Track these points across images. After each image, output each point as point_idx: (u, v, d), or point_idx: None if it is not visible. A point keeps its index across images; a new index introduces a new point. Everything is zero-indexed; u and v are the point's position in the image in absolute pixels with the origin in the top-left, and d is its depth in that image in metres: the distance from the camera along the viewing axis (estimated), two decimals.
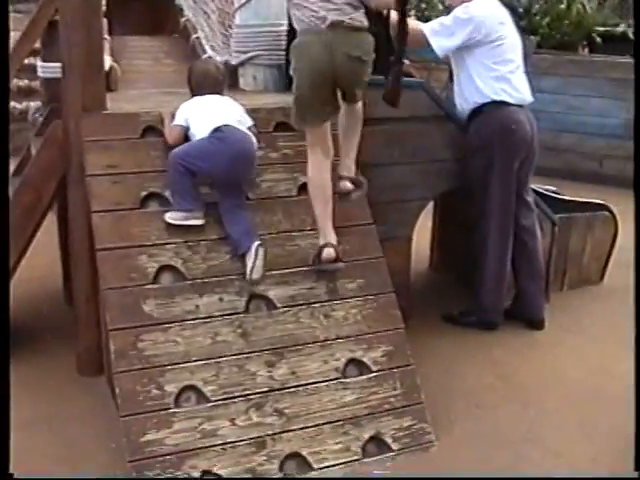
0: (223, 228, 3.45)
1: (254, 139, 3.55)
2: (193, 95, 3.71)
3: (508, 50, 4.38)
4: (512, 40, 4.41)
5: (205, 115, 3.53)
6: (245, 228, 3.40)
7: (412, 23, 4.28)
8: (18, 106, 8.22)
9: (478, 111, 4.39)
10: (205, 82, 3.71)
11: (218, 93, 3.70)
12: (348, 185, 3.66)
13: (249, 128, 3.59)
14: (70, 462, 3.21)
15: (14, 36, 5.08)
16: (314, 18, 3.35)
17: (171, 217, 3.36)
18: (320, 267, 3.49)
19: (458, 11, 4.32)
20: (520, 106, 4.41)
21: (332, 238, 3.49)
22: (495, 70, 4.32)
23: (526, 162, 4.45)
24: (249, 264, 3.32)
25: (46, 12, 3.78)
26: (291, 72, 3.49)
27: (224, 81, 3.82)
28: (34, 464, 3.19)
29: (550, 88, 7.91)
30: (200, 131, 3.49)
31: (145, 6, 6.56)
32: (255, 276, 3.31)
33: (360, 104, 3.62)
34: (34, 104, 7.86)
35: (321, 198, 3.49)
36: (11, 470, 3.00)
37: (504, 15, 4.42)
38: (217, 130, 3.45)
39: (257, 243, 3.35)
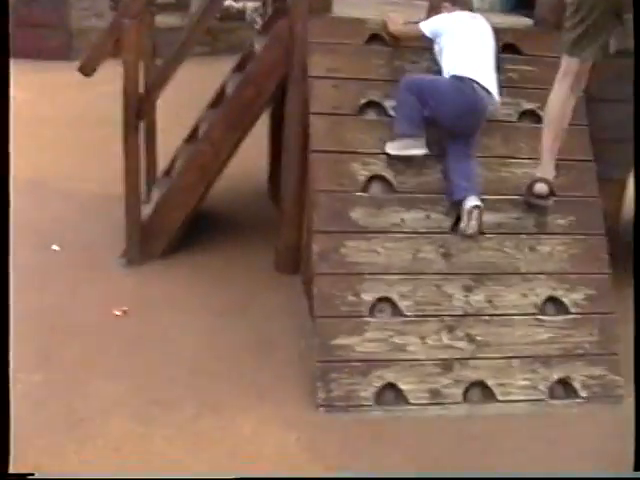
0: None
1: (496, 97, 3.36)
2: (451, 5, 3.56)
3: None
4: None
5: (460, 45, 3.36)
6: (467, 176, 3.28)
7: None
8: (235, 5, 8.41)
9: None
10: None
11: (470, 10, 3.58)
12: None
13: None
14: (258, 351, 3.33)
15: None
16: None
17: (392, 147, 3.31)
18: (529, 200, 3.36)
19: None
20: None
21: (549, 173, 3.31)
22: None
23: None
24: (464, 221, 3.22)
25: None
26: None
27: None
28: (225, 350, 3.33)
29: None
30: (448, 60, 3.36)
31: None
32: (469, 231, 3.22)
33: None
34: (251, 4, 8.02)
35: (554, 129, 3.30)
36: (203, 351, 3.15)
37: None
38: (462, 80, 3.29)
39: (475, 203, 3.21)
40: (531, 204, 3.37)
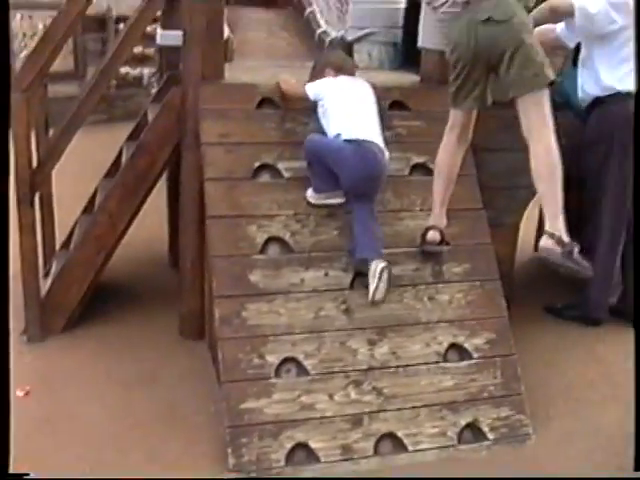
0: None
1: (386, 153, 3.44)
2: (334, 73, 3.64)
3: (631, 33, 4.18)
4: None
5: (343, 108, 3.45)
6: (371, 236, 3.32)
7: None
8: (132, 72, 8.44)
9: (601, 101, 4.24)
10: (346, 65, 3.71)
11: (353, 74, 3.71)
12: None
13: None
14: (169, 421, 3.28)
15: (131, 3, 5.17)
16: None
17: (312, 197, 3.42)
18: (424, 248, 3.46)
19: None
20: None
21: (441, 222, 3.47)
22: (627, 61, 4.12)
23: None
24: (372, 284, 3.21)
25: None
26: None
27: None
28: (134, 421, 3.28)
29: None
30: (335, 123, 3.43)
31: None
32: (378, 297, 3.22)
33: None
34: (148, 70, 8.06)
35: (443, 179, 3.46)
36: (108, 425, 3.11)
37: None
38: (359, 143, 3.34)
39: (382, 265, 3.22)
40: (426, 252, 3.47)
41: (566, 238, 3.26)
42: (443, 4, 3.37)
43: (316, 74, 3.65)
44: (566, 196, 4.85)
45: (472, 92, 3.34)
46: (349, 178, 3.33)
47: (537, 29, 4.43)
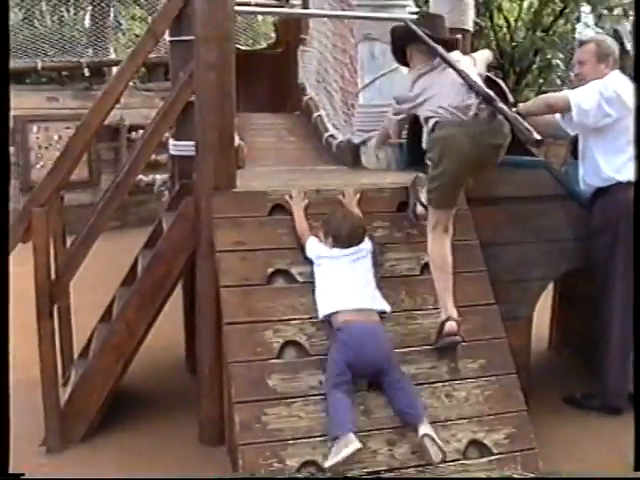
0: None
1: (385, 307, 3.47)
2: (334, 241, 3.53)
3: (629, 122, 4.28)
4: (631, 115, 4.33)
5: (335, 286, 3.42)
6: (406, 403, 3.25)
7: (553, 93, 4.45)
8: (144, 178, 8.63)
9: (604, 191, 4.33)
10: (356, 234, 3.55)
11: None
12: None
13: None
14: None
15: (144, 113, 5.34)
16: (456, 110, 3.44)
17: (330, 460, 3.07)
18: (442, 342, 3.47)
19: (601, 85, 4.25)
20: None
21: (453, 312, 3.49)
22: (624, 150, 4.26)
23: None
24: (428, 451, 3.15)
25: (184, 94, 3.97)
26: (431, 159, 3.53)
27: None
28: None
29: None
30: (326, 297, 3.41)
31: (269, 84, 6.84)
32: (436, 460, 3.16)
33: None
34: (160, 177, 8.25)
35: (443, 273, 3.54)
36: None
37: (632, 92, 4.39)
38: (346, 323, 3.31)
39: (424, 432, 3.16)
40: (444, 346, 3.48)
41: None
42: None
43: (324, 233, 3.59)
44: (576, 286, 4.95)
45: (458, 195, 3.62)
46: (345, 362, 3.25)
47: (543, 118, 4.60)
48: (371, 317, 3.38)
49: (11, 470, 2.69)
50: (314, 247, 3.54)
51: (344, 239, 3.50)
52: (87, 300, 4.78)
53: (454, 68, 3.48)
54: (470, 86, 3.43)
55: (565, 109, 4.30)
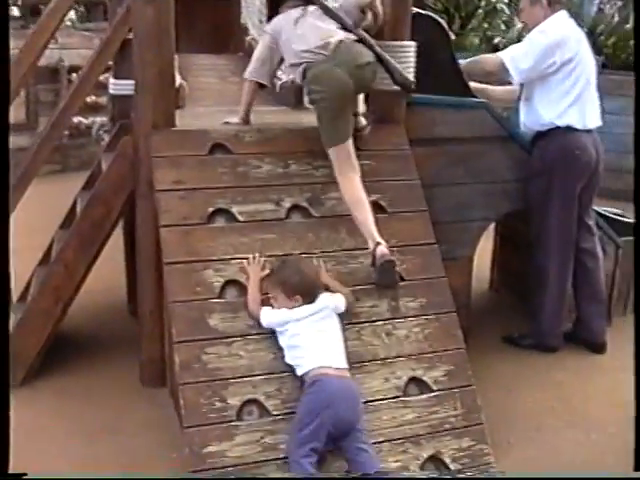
0: (289, 244, 3.50)
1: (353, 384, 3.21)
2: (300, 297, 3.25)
3: (583, 72, 4.33)
4: (587, 61, 4.37)
5: (305, 344, 3.17)
6: (369, 467, 3.07)
7: (488, 56, 4.48)
8: (84, 121, 8.44)
9: (543, 134, 4.37)
10: (314, 292, 3.29)
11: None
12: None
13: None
14: (132, 470, 3.27)
15: (83, 54, 5.22)
16: (318, 49, 3.58)
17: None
18: (380, 266, 3.41)
19: (538, 35, 4.29)
20: (587, 130, 4.37)
21: (379, 238, 3.45)
22: (567, 95, 4.28)
23: (589, 186, 4.40)
24: None
25: (120, 31, 3.87)
26: (313, 100, 3.65)
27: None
28: (96, 471, 3.27)
29: (614, 109, 7.76)
30: (298, 357, 3.18)
31: (211, 25, 6.70)
32: None
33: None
34: (99, 120, 8.07)
35: (359, 207, 3.53)
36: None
37: (581, 34, 4.40)
38: (318, 380, 3.09)
39: None
40: (384, 271, 3.43)
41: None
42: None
43: (287, 293, 3.25)
44: (517, 227, 5.03)
45: (349, 126, 3.65)
46: (324, 421, 3.04)
47: (504, 89, 4.65)
48: (346, 374, 3.19)
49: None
50: (271, 316, 3.24)
51: (306, 290, 3.26)
52: (26, 244, 4.68)
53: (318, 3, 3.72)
54: (334, 19, 3.69)
55: (504, 72, 4.32)
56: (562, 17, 4.37)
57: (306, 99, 4.68)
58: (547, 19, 4.33)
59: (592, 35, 8.69)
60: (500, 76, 4.45)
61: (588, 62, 4.36)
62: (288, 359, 3.21)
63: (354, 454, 3.07)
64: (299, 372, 3.17)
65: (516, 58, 4.30)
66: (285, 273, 3.28)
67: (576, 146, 4.31)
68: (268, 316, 3.25)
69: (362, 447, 3.08)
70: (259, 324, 3.26)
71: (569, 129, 4.31)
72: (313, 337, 3.18)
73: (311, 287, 3.27)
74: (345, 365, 3.20)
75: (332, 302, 3.30)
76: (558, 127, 4.31)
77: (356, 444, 3.08)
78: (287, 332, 3.21)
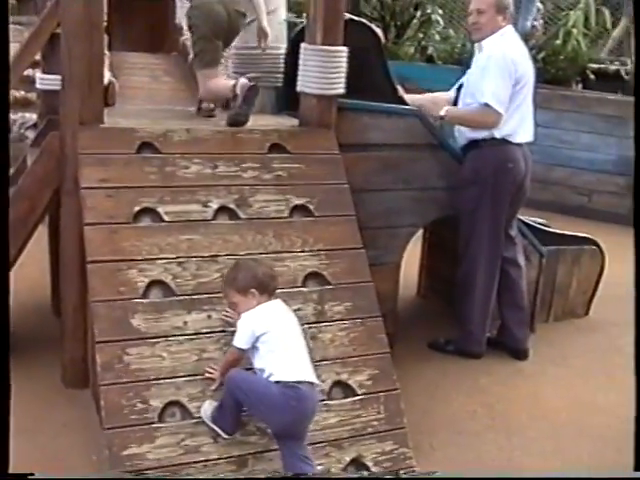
0: (216, 245, 3.47)
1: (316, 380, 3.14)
2: (260, 293, 3.16)
3: (527, 87, 4.38)
4: (531, 76, 4.41)
5: (274, 347, 3.05)
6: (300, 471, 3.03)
7: (476, 112, 4.38)
8: (13, 116, 8.25)
9: (475, 144, 4.41)
10: (272, 284, 3.23)
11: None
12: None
13: None
14: (50, 472, 3.20)
15: (15, 48, 5.13)
16: None
17: (205, 411, 3.10)
18: (200, 114, 4.30)
19: (500, 60, 4.25)
20: (519, 144, 4.43)
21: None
22: (514, 109, 4.33)
23: (516, 199, 4.48)
24: None
25: (48, 25, 3.81)
26: (191, 25, 4.31)
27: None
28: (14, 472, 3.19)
29: (542, 122, 7.86)
30: (270, 364, 3.03)
31: (145, 24, 6.65)
32: None
33: None
34: (20, 115, 7.91)
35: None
36: None
37: (525, 49, 4.47)
38: (292, 387, 2.98)
39: None
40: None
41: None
42: None
43: (240, 290, 3.16)
44: (444, 234, 5.10)
45: (220, 54, 4.42)
46: (279, 424, 3.02)
47: (431, 95, 4.68)
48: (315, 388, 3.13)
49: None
50: (243, 337, 3.08)
51: (272, 285, 3.21)
52: None
53: None
54: None
55: (495, 114, 4.30)
56: (513, 33, 4.41)
57: None
58: (499, 31, 4.34)
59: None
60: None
61: (531, 77, 4.42)
62: (265, 364, 3.04)
63: (290, 458, 3.02)
64: (283, 378, 2.98)
65: (497, 96, 4.25)
66: (233, 273, 3.21)
67: (509, 158, 4.37)
68: (241, 339, 3.08)
69: (300, 455, 3.02)
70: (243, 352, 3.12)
71: (504, 141, 4.36)
72: (281, 341, 3.06)
73: (264, 280, 3.18)
74: (310, 378, 3.06)
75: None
76: (494, 138, 4.36)
77: (295, 449, 3.03)
78: (261, 341, 3.05)
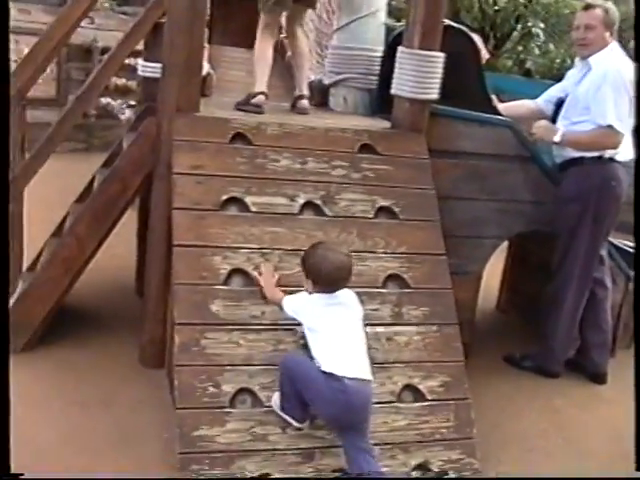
0: (299, 240, 3.50)
1: (371, 378, 3.11)
2: (314, 284, 3.13)
3: (632, 107, 4.23)
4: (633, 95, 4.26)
5: (325, 338, 3.06)
6: (362, 468, 3.00)
7: (572, 134, 4.28)
8: (113, 103, 8.51)
9: (580, 161, 4.30)
10: (340, 277, 3.13)
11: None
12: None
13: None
14: (120, 445, 3.31)
15: (118, 36, 5.28)
16: None
17: (275, 402, 3.15)
18: (246, 108, 4.09)
19: (617, 79, 4.16)
20: (622, 162, 4.32)
21: (265, 88, 4.24)
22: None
23: (614, 219, 4.38)
24: None
25: (153, 14, 3.92)
26: None
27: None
28: (87, 442, 3.30)
29: None
30: (318, 351, 3.05)
31: (244, 20, 6.73)
32: None
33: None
34: (119, 101, 8.13)
35: (263, 62, 4.31)
36: (61, 448, 3.10)
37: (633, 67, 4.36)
38: (338, 379, 2.95)
39: None
40: (247, 111, 4.04)
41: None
42: None
43: (303, 271, 3.20)
44: (530, 249, 5.03)
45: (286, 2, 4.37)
46: (326, 414, 3.06)
47: (513, 104, 4.63)
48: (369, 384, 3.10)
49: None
50: (295, 303, 3.19)
51: (325, 282, 3.12)
52: (41, 217, 4.73)
53: None
54: None
55: (618, 135, 4.21)
56: (619, 49, 4.30)
57: (332, 100, 4.72)
58: (607, 47, 4.25)
59: None
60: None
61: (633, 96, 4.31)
62: (313, 349, 3.08)
63: (353, 452, 3.02)
64: (330, 369, 2.98)
65: (619, 116, 4.15)
66: (307, 252, 3.19)
67: (614, 177, 4.27)
68: (291, 303, 3.20)
69: (362, 447, 3.03)
70: (281, 309, 3.24)
71: (610, 160, 4.28)
72: (333, 335, 3.05)
73: (324, 275, 3.09)
74: (361, 375, 3.03)
75: (354, 300, 3.22)
76: (601, 157, 4.26)
77: (356, 442, 3.02)
78: (308, 321, 3.11)
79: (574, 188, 4.33)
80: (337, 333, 3.07)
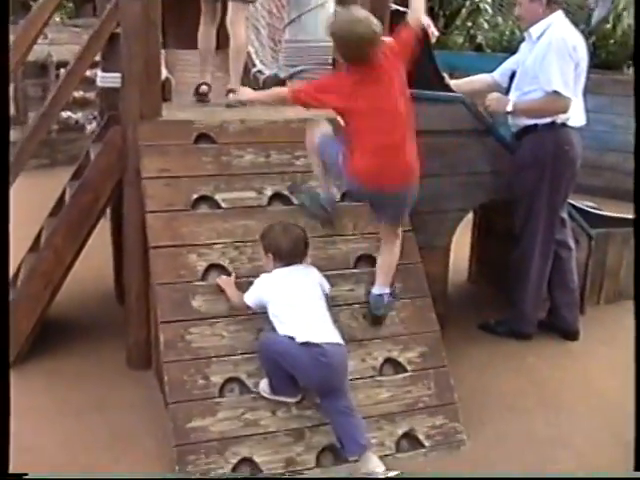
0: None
1: (341, 341, 3.27)
2: (275, 258, 3.34)
3: (582, 72, 4.43)
4: (585, 61, 4.45)
5: (291, 310, 3.23)
6: (350, 433, 3.15)
7: (550, 101, 4.37)
8: (73, 116, 8.55)
9: (533, 129, 4.45)
10: (299, 249, 3.37)
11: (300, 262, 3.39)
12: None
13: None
14: (118, 446, 3.42)
15: (72, 49, 5.34)
16: None
17: (264, 390, 3.29)
18: (197, 98, 4.57)
19: (561, 46, 4.30)
20: (575, 128, 4.49)
21: (208, 79, 4.69)
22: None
23: (570, 182, 4.54)
24: (366, 469, 3.13)
25: (108, 25, 3.98)
26: None
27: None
28: (83, 448, 3.40)
29: (594, 107, 7.83)
30: (286, 326, 3.21)
31: (197, 21, 6.80)
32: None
33: None
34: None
35: (206, 52, 4.75)
36: (60, 453, 3.19)
37: (580, 36, 4.50)
38: (310, 345, 3.13)
39: (367, 454, 3.14)
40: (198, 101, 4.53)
41: None
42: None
43: (263, 249, 3.40)
44: (495, 220, 5.18)
45: None
46: (309, 383, 3.23)
47: (470, 79, 4.77)
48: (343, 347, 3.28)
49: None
50: (254, 294, 3.33)
51: (285, 255, 3.33)
52: (15, 235, 4.77)
53: None
54: None
55: (565, 100, 4.34)
56: (564, 18, 4.44)
57: None
58: (546, 18, 4.38)
59: None
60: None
61: (586, 61, 4.47)
62: (275, 322, 3.24)
63: (336, 416, 3.18)
64: (304, 339, 3.14)
65: (565, 82, 4.29)
66: (265, 231, 3.41)
67: (567, 142, 4.42)
68: (251, 296, 3.33)
69: (344, 409, 3.18)
70: (249, 308, 3.36)
71: (562, 125, 4.42)
72: (297, 305, 3.24)
73: (283, 248, 3.32)
74: (331, 339, 3.21)
75: (318, 276, 3.41)
76: (554, 122, 4.41)
77: (339, 406, 3.18)
78: (272, 303, 3.26)
79: (529, 155, 4.48)
80: (301, 301, 3.26)
